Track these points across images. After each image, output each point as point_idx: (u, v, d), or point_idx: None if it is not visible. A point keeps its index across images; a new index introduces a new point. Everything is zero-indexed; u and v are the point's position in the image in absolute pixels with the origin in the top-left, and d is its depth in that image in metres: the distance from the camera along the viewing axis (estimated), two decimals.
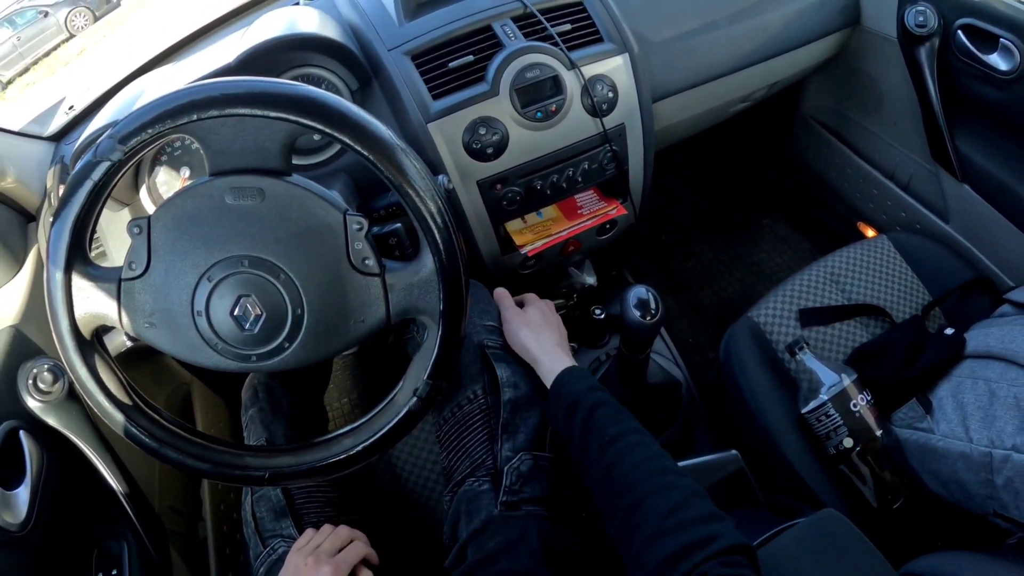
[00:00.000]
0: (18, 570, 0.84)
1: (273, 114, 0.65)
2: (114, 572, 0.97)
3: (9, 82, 9.86)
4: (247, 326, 0.71)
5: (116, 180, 0.69)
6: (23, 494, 0.87)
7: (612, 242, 1.23)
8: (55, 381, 0.94)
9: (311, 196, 0.70)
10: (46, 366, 0.94)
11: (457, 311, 0.73)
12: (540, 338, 0.90)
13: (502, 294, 0.98)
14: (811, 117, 1.68)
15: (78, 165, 0.67)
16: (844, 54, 1.44)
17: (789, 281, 1.17)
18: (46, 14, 10.17)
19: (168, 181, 1.01)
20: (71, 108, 1.18)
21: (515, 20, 1.05)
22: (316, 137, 1.02)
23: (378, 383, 1.44)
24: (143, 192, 1.01)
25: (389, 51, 1.02)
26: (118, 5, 11.11)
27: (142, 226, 0.70)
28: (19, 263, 1.05)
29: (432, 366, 0.75)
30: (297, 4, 1.17)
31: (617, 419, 0.76)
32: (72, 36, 10.54)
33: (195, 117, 0.65)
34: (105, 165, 0.66)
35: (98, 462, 0.95)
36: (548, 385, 0.85)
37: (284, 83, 0.67)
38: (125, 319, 0.72)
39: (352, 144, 0.67)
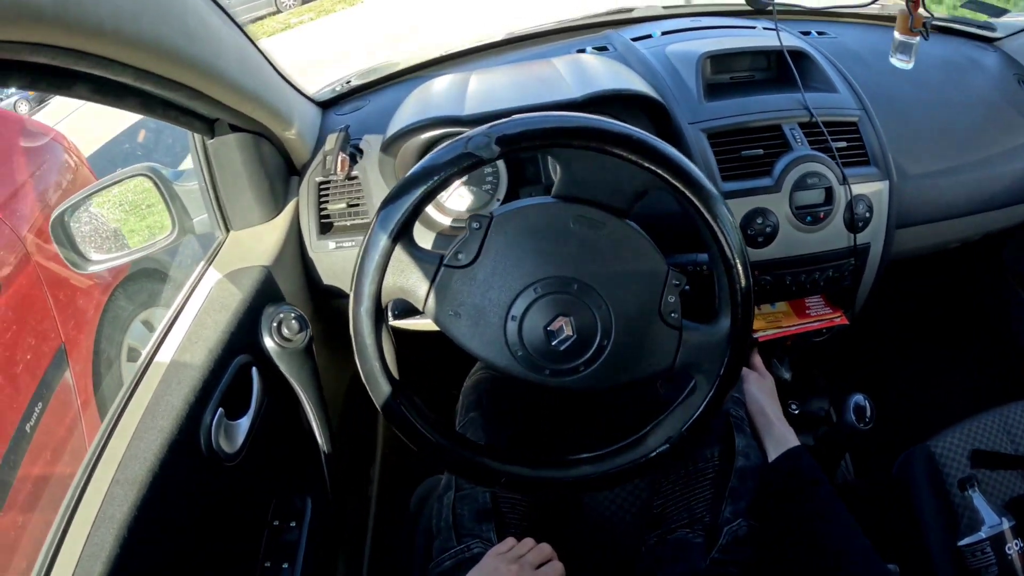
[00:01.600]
0: (215, 497, 0.87)
1: (649, 165, 0.70)
2: (292, 524, 0.99)
3: None
4: (555, 343, 0.74)
5: (469, 174, 0.73)
6: (244, 425, 0.91)
7: (820, 344, 1.26)
8: (300, 330, 0.98)
9: (646, 242, 0.75)
10: (293, 314, 0.98)
11: (733, 378, 0.77)
12: (774, 406, 1.02)
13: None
14: (1011, 267, 1.70)
15: (446, 150, 0.71)
16: None
17: (969, 421, 1.20)
18: None
19: None
20: (348, 83, 1.26)
21: (801, 126, 1.10)
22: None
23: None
24: None
25: (689, 124, 1.07)
26: None
27: (482, 223, 0.74)
28: (277, 210, 1.11)
29: (693, 422, 0.78)
30: (582, 51, 1.24)
31: (834, 501, 0.87)
32: (279, 11, 11.26)
33: (578, 143, 0.70)
34: (472, 158, 0.70)
35: (312, 416, 0.98)
36: (772, 448, 0.96)
37: (663, 143, 0.72)
38: (431, 301, 0.75)
39: (703, 213, 0.72)
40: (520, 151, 0.71)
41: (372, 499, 1.28)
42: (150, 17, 0.68)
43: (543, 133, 0.70)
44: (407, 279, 0.74)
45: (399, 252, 0.73)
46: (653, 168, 0.71)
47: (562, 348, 0.74)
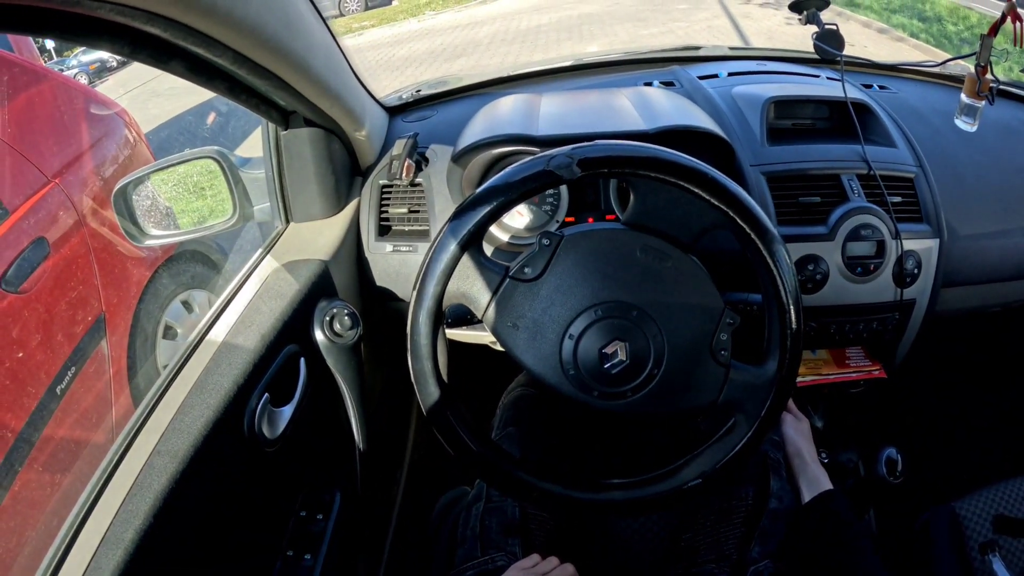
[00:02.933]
0: (250, 480, 0.88)
1: (719, 203, 0.72)
2: (319, 516, 1.01)
3: None
4: (607, 365, 0.75)
5: (543, 192, 0.75)
6: (286, 413, 0.92)
7: (856, 395, 1.26)
8: (351, 327, 1.00)
9: (705, 278, 0.76)
10: (346, 311, 1.00)
11: (773, 420, 0.78)
12: (810, 448, 1.04)
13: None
14: None
15: (527, 166, 0.73)
16: None
17: (996, 485, 1.19)
18: None
19: None
20: (418, 91, 1.30)
21: (859, 178, 1.11)
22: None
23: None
24: None
25: (751, 166, 1.09)
26: (389, 3, 12.07)
27: (552, 240, 0.75)
28: (339, 207, 1.14)
29: (728, 460, 0.78)
30: (649, 84, 1.26)
31: (866, 545, 0.88)
32: (341, 15, 11.48)
33: (656, 175, 0.72)
34: (553, 177, 0.72)
35: (352, 413, 1.00)
36: (806, 489, 0.97)
37: (734, 183, 0.74)
38: (491, 311, 0.76)
39: (764, 255, 0.73)
40: (599, 176, 0.73)
41: (396, 501, 1.30)
42: (257, 4, 0.71)
43: (625, 161, 0.72)
44: (471, 286, 0.76)
45: (466, 260, 0.75)
46: (722, 207, 0.72)
47: (614, 372, 0.76)
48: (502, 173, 0.74)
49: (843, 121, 1.20)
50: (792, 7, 1.23)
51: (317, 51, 0.90)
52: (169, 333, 2.26)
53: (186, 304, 2.35)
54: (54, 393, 1.83)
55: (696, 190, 0.72)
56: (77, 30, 0.57)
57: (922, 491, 1.21)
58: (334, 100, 1.00)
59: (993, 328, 1.75)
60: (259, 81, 0.84)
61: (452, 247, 0.73)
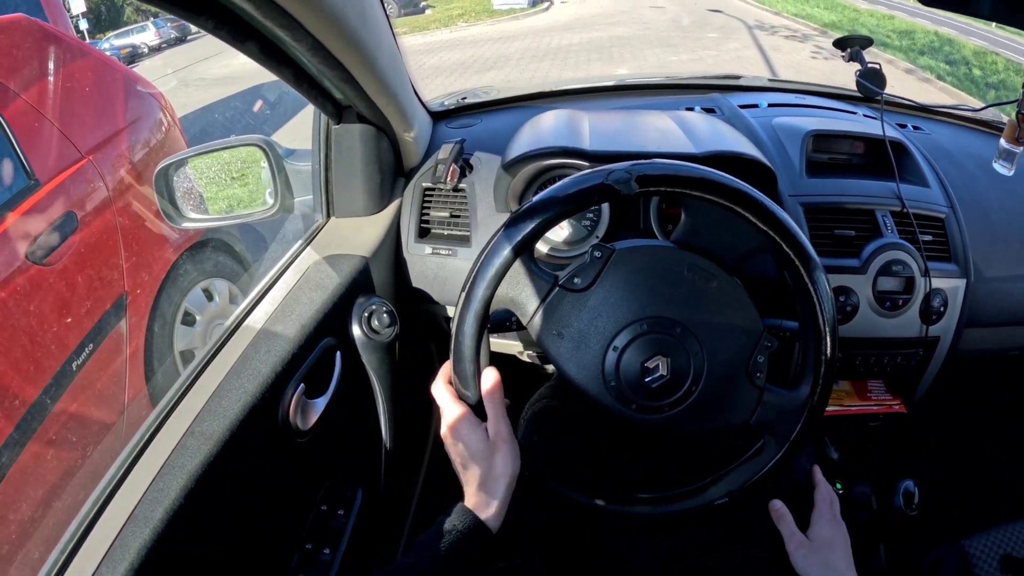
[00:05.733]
0: (279, 469, 0.90)
1: (766, 228, 0.75)
2: (340, 512, 1.01)
3: None
4: (648, 379, 0.77)
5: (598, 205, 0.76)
6: (319, 405, 0.93)
7: (874, 429, 1.27)
8: (389, 325, 1.01)
9: (747, 301, 0.78)
10: (384, 309, 1.02)
11: (801, 444, 0.80)
12: (837, 558, 0.87)
13: (781, 514, 0.91)
14: None
15: (586, 178, 0.74)
16: None
17: (1008, 526, 1.19)
18: None
19: None
20: (464, 99, 1.32)
21: (892, 215, 1.14)
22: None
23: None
24: None
25: (790, 196, 1.11)
26: (422, 12, 12.16)
27: (604, 253, 0.77)
28: (381, 206, 1.16)
29: (756, 480, 0.80)
30: (691, 109, 1.28)
31: None
32: None
33: (712, 197, 0.74)
34: (611, 191, 0.74)
35: (382, 411, 1.01)
36: None
37: (782, 211, 0.76)
38: (538, 318, 0.78)
39: (805, 281, 0.76)
40: (656, 194, 0.75)
41: (413, 503, 1.30)
42: None
43: (683, 181, 0.74)
44: (520, 292, 0.78)
45: (518, 265, 0.76)
46: (769, 231, 0.75)
47: (654, 386, 0.77)
48: (560, 184, 0.76)
49: (878, 158, 1.22)
50: (836, 44, 1.25)
51: (384, 48, 0.92)
52: (187, 319, 2.28)
53: (207, 292, 2.37)
54: (70, 368, 1.84)
55: (746, 214, 0.74)
56: None
57: (935, 526, 1.22)
58: (391, 98, 1.01)
59: (1011, 371, 1.76)
60: (326, 71, 0.85)
61: (506, 252, 0.74)
